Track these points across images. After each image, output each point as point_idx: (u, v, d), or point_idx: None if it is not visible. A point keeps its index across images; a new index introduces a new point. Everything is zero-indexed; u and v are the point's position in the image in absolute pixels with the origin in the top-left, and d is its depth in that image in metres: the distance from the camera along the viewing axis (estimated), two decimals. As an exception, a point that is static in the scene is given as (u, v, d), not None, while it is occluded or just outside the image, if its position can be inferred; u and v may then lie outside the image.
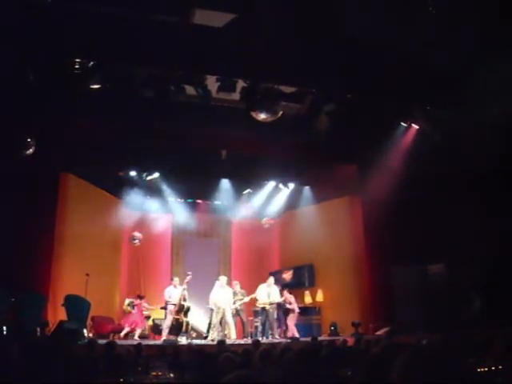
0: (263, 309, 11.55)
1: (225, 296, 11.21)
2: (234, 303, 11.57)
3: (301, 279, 14.08)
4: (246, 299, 11.77)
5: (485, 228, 9.18)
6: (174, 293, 11.13)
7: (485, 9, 7.08)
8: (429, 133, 9.80)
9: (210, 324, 11.21)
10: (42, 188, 10.13)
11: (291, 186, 13.79)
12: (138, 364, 5.36)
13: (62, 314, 9.71)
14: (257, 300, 11.69)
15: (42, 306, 9.67)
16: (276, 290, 11.80)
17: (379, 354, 2.99)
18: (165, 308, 11.38)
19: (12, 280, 8.84)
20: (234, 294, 11.76)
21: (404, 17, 7.35)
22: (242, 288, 12.02)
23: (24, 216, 9.48)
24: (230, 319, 11.04)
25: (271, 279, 11.96)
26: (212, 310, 11.16)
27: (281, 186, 13.77)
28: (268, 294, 11.60)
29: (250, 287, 12.14)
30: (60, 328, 8.96)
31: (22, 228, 9.42)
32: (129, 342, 9.71)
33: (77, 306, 9.96)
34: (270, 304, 11.51)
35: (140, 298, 12.11)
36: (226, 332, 10.95)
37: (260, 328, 11.72)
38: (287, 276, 14.56)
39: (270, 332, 11.51)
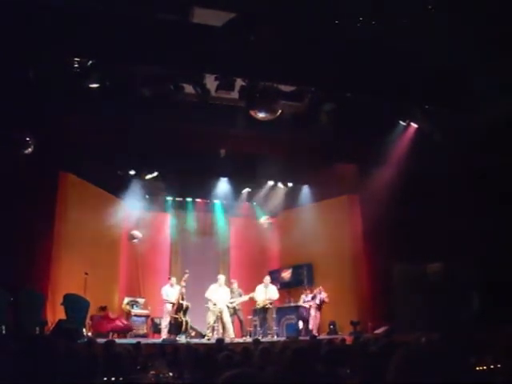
0: (262, 308, 11.58)
1: (223, 295, 11.22)
2: (232, 302, 11.58)
3: (300, 278, 14.07)
4: (244, 298, 11.79)
5: (484, 227, 9.18)
6: (170, 292, 11.14)
7: (485, 9, 7.07)
8: (428, 132, 9.80)
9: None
10: (41, 187, 10.12)
11: (290, 184, 13.79)
12: (137, 363, 5.36)
13: (61, 313, 9.70)
14: (256, 300, 11.75)
15: (41, 305, 9.66)
16: (273, 288, 11.84)
17: (378, 353, 3.00)
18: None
19: (11, 279, 8.83)
20: (231, 292, 11.77)
21: (404, 16, 7.34)
22: (239, 287, 12.03)
23: (23, 215, 9.47)
24: (227, 318, 11.04)
25: (267, 278, 12.02)
26: (208, 308, 11.18)
27: (280, 184, 13.76)
28: (265, 292, 11.64)
29: (249, 286, 12.16)
30: (59, 327, 8.95)
31: (21, 227, 9.42)
32: (128, 340, 9.71)
33: (76, 305, 9.94)
34: (270, 303, 11.56)
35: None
36: (224, 331, 10.96)
37: (259, 327, 11.75)
38: (286, 275, 14.55)
39: (268, 331, 11.52)
